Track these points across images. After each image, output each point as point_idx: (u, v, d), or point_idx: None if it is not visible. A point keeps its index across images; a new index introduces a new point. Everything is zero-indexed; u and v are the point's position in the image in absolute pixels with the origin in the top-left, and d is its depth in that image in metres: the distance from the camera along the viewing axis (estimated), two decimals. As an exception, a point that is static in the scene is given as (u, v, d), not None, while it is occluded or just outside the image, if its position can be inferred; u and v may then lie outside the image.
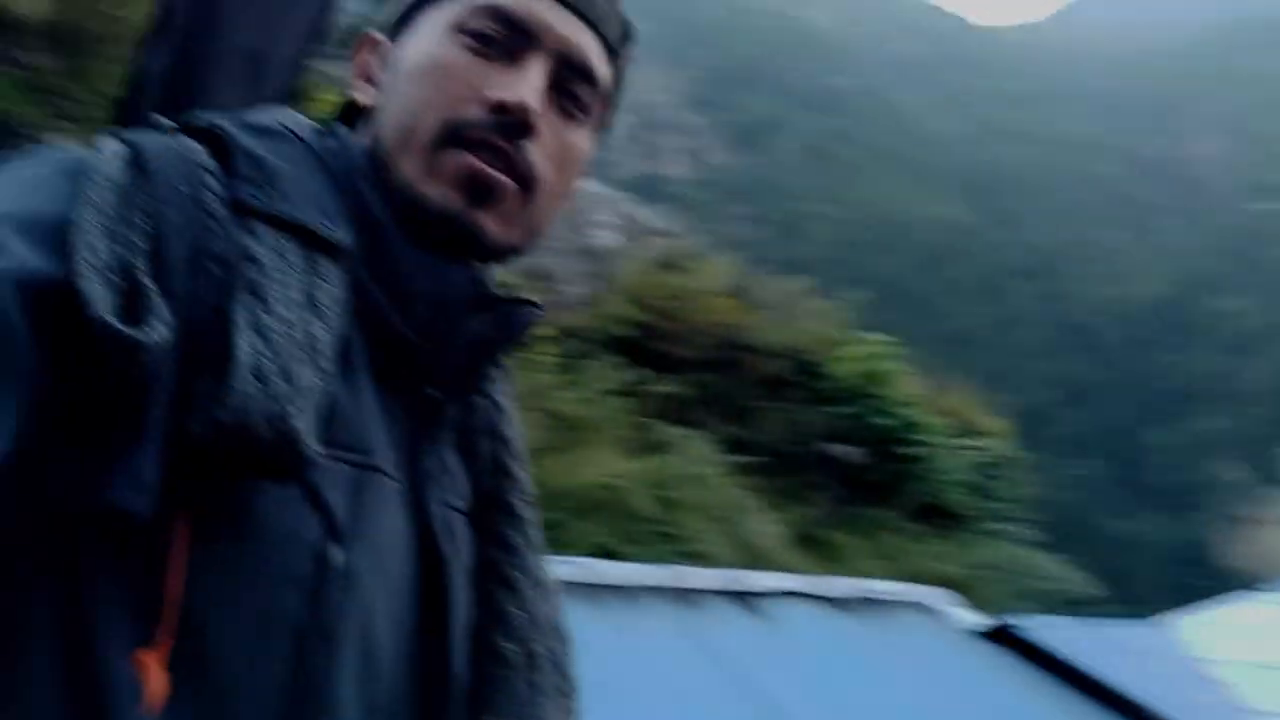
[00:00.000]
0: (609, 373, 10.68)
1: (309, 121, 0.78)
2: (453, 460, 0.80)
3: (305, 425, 0.57)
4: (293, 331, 0.59)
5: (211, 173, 0.64)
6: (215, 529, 0.58)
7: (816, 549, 10.32)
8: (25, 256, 0.53)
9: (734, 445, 10.94)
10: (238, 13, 0.91)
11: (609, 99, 0.82)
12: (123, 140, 0.63)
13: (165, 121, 0.69)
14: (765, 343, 12.73)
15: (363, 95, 0.80)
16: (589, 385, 10.27)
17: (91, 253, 0.54)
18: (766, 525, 9.70)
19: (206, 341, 0.57)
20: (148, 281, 0.55)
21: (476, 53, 0.73)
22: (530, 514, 0.84)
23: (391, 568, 0.68)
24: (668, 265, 13.89)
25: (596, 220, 15.16)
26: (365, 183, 0.73)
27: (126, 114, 0.85)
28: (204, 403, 0.55)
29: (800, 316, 13.98)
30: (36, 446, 0.52)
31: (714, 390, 11.85)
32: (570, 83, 0.76)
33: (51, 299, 0.52)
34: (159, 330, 0.53)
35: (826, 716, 4.87)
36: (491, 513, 0.81)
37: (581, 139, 0.80)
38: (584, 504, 8.22)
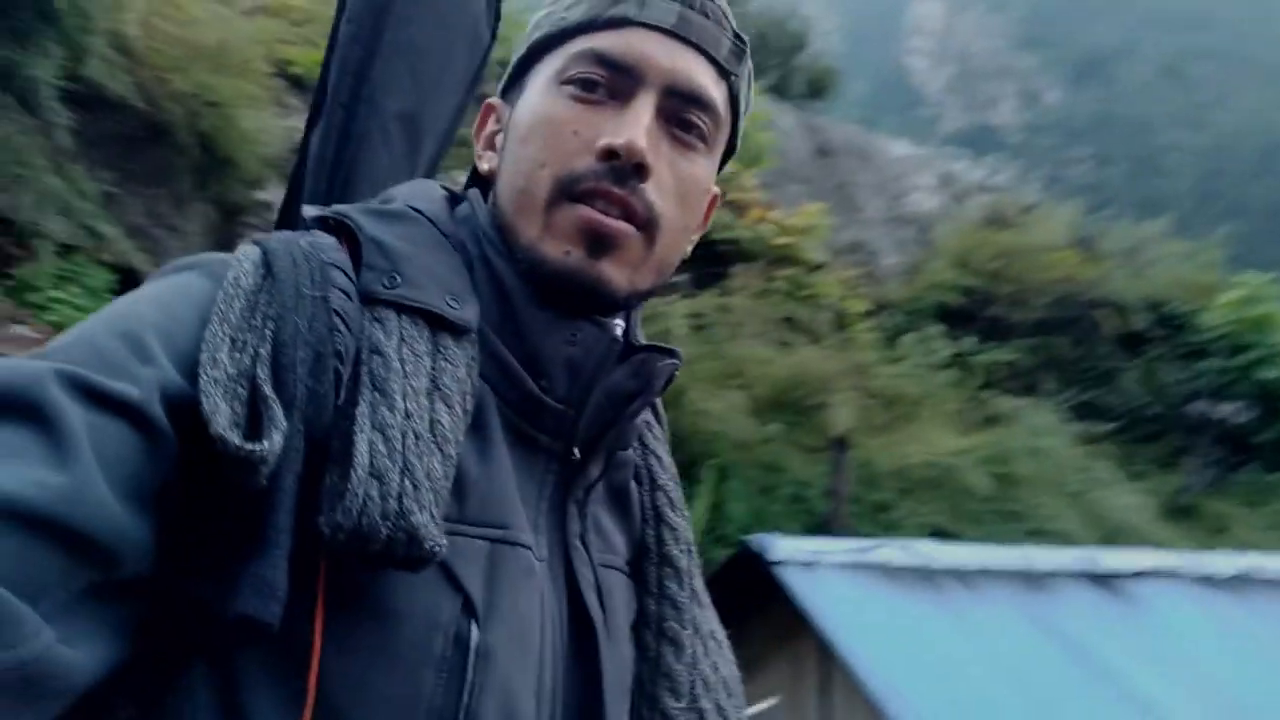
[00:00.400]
0: (934, 344, 10.17)
1: (442, 193, 0.80)
2: (605, 516, 0.79)
3: (427, 519, 0.58)
4: (415, 424, 0.61)
5: (341, 268, 0.66)
6: (352, 614, 0.60)
7: (1190, 521, 9.14)
8: (166, 368, 0.57)
9: (1084, 412, 9.98)
10: (394, 81, 0.94)
11: (728, 119, 0.79)
12: (258, 244, 0.65)
13: (309, 210, 0.74)
14: (1117, 296, 11.51)
15: (485, 162, 0.81)
16: (913, 359, 9.83)
17: (216, 366, 0.56)
18: (1127, 497, 8.73)
19: (331, 442, 0.59)
20: (268, 390, 0.57)
21: (582, 101, 0.73)
22: (692, 564, 0.82)
23: (532, 640, 0.67)
24: (997, 222, 12.95)
25: (913, 184, 14.49)
26: (492, 249, 0.74)
27: (292, 197, 0.93)
28: (328, 504, 0.57)
29: (1159, 263, 12.50)
30: (179, 553, 0.56)
31: (1057, 354, 10.88)
32: (682, 111, 0.74)
33: (188, 411, 0.55)
34: (275, 442, 0.55)
35: (1203, 714, 4.29)
36: (652, 565, 0.80)
37: (701, 167, 0.77)
38: (914, 484, 7.89)
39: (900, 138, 17.28)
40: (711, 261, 9.83)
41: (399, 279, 0.67)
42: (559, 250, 0.71)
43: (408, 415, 0.60)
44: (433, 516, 0.59)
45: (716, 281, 9.89)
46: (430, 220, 0.74)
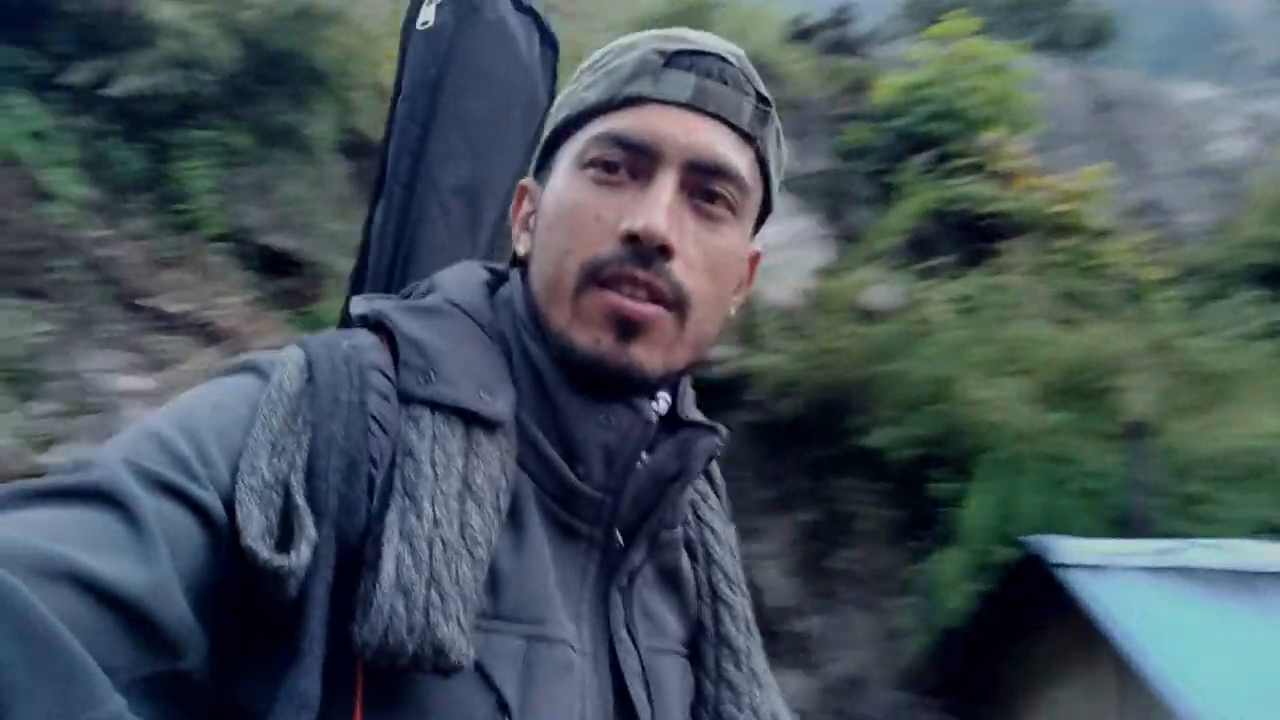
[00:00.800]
0: (1249, 311, 8.93)
1: (483, 276, 0.82)
2: (656, 599, 0.79)
3: (454, 630, 0.59)
4: (444, 530, 0.62)
5: (381, 369, 0.69)
6: (388, 712, 0.61)
7: None
8: (222, 471, 0.59)
9: None
10: (450, 154, 0.95)
11: (758, 182, 0.79)
12: (303, 346, 0.68)
13: (354, 307, 0.77)
14: None
15: (522, 245, 0.82)
16: (1224, 329, 8.67)
17: (254, 474, 0.59)
18: None
19: (364, 548, 0.62)
20: (300, 500, 0.59)
21: (604, 184, 0.73)
22: (751, 643, 0.81)
23: None
24: (1323, 165, 11.24)
25: (1214, 130, 12.85)
26: (528, 334, 0.75)
27: (359, 274, 0.96)
28: (359, 615, 0.59)
29: None
30: (224, 653, 0.59)
31: None
32: (706, 184, 0.74)
33: (229, 519, 0.58)
34: (304, 554, 0.58)
35: None
36: (709, 646, 0.79)
37: (730, 237, 0.76)
38: (1232, 472, 6.93)
39: (1201, 80, 15.39)
40: (975, 238, 9.22)
41: (433, 376, 0.68)
42: (589, 337, 0.72)
43: (436, 522, 0.62)
44: (460, 625, 0.60)
45: (984, 259, 9.24)
46: (467, 312, 0.75)
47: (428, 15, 1.00)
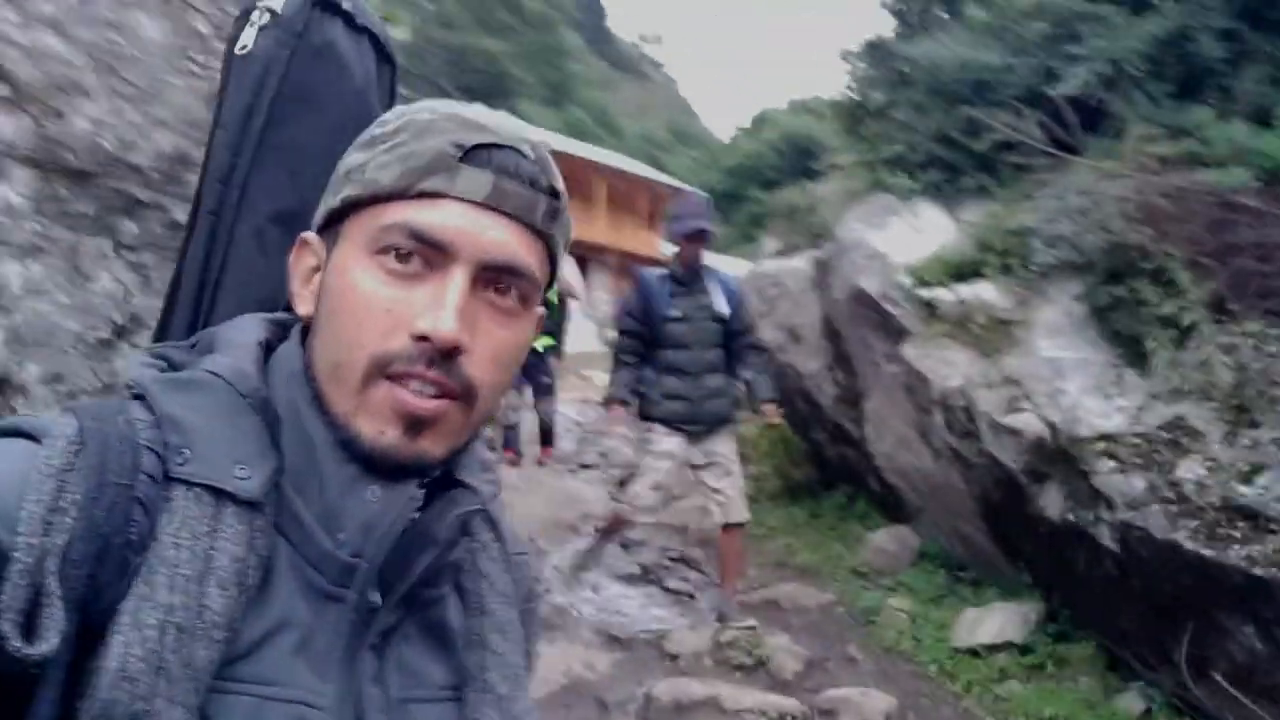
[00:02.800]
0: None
1: (258, 336, 0.81)
2: (416, 652, 0.80)
3: (177, 714, 0.61)
4: (180, 615, 0.63)
5: (153, 447, 0.68)
6: None
7: None
8: None
9: None
10: (271, 182, 0.96)
11: (546, 273, 0.81)
12: (76, 418, 0.67)
13: (127, 374, 0.76)
14: None
15: (302, 306, 0.81)
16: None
17: (17, 551, 0.59)
18: None
19: (99, 634, 0.62)
20: (53, 583, 0.59)
21: (395, 275, 0.73)
22: (517, 690, 0.83)
23: None
24: None
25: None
26: (303, 401, 0.76)
27: (168, 307, 0.96)
28: (86, 697, 0.60)
29: None
30: None
31: None
32: (498, 282, 0.76)
33: None
34: (51, 644, 0.57)
35: None
36: (473, 692, 0.81)
37: (518, 329, 0.79)
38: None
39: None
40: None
41: (188, 455, 0.68)
42: (374, 429, 0.72)
43: (171, 609, 0.62)
44: (186, 708, 0.61)
45: None
46: (229, 382, 0.74)
47: (247, 40, 0.96)
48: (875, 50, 7.82)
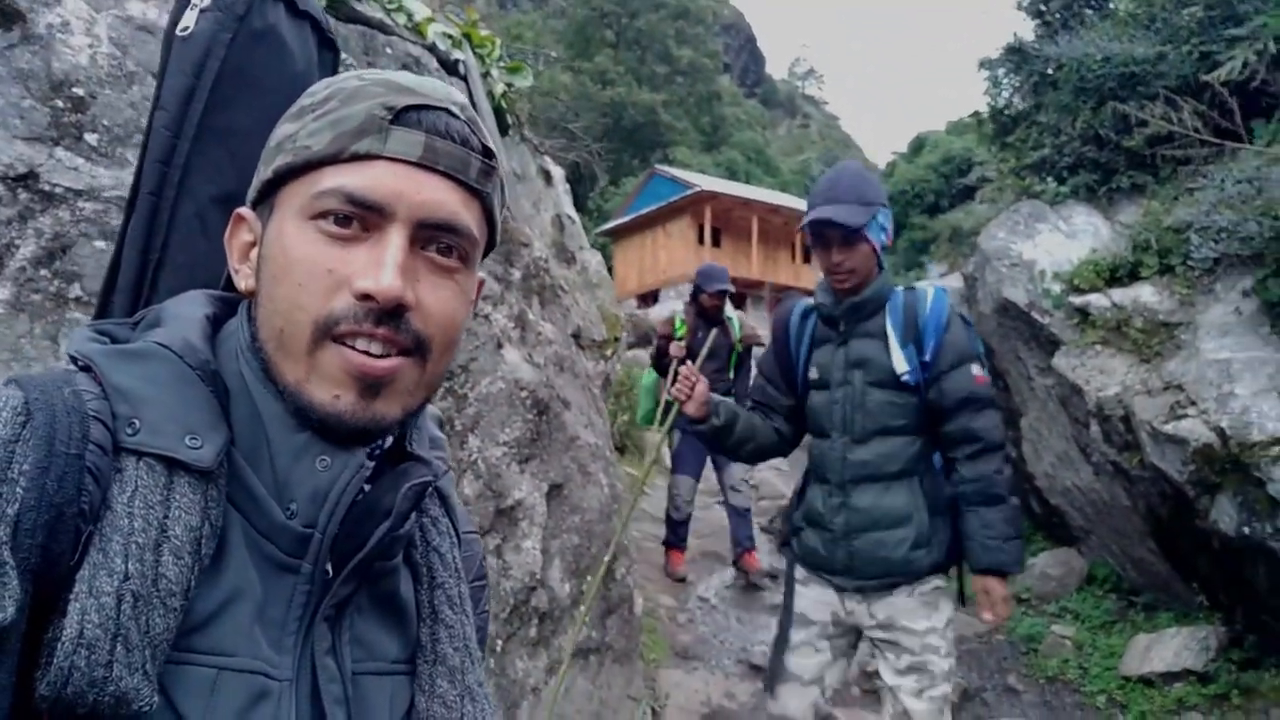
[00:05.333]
0: None
1: (205, 311, 0.80)
2: (370, 624, 0.80)
3: (138, 679, 0.60)
4: (136, 584, 0.62)
5: (100, 417, 0.67)
6: None
7: None
8: None
9: None
10: (212, 165, 0.95)
11: (484, 232, 0.80)
12: (21, 388, 0.66)
13: (68, 347, 0.74)
14: None
15: (244, 280, 0.80)
16: None
17: None
18: None
19: (54, 603, 0.61)
20: (5, 553, 0.58)
21: (333, 237, 0.73)
22: (468, 662, 0.83)
23: None
24: None
25: None
26: (251, 373, 0.75)
27: (108, 287, 0.95)
28: (42, 665, 0.60)
29: None
30: None
31: None
32: (437, 240, 0.75)
33: None
34: (9, 612, 0.57)
35: None
36: (426, 664, 0.81)
37: (462, 284, 0.78)
38: None
39: None
40: None
41: (138, 425, 0.67)
42: (328, 394, 0.72)
43: (127, 576, 0.62)
44: (146, 674, 0.61)
45: None
46: (178, 353, 0.73)
47: (188, 21, 0.95)
48: (1015, 54, 7.52)
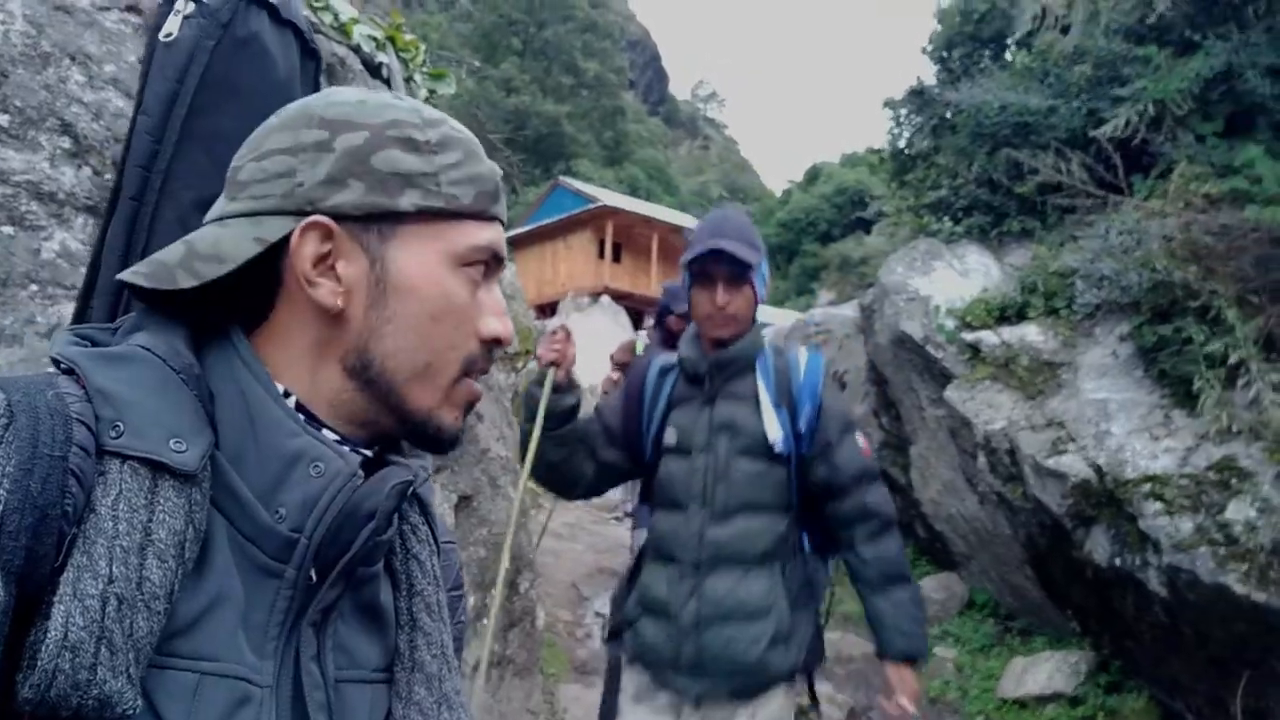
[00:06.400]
0: None
1: (187, 316, 0.79)
2: (352, 631, 0.81)
3: (122, 683, 0.61)
4: (120, 586, 0.62)
5: (84, 421, 0.67)
6: None
7: None
8: None
9: None
10: (193, 169, 0.94)
11: None
12: (3, 392, 0.65)
13: (51, 349, 0.74)
14: None
15: (330, 297, 0.78)
16: None
17: None
18: None
19: (37, 606, 0.61)
20: None
21: (476, 284, 0.82)
22: (445, 670, 0.84)
23: None
24: None
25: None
26: (253, 380, 0.76)
27: (87, 290, 0.94)
28: (24, 667, 0.59)
29: None
30: None
31: None
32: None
33: None
34: None
35: None
36: (403, 671, 0.82)
37: None
38: None
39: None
40: None
41: (122, 428, 0.67)
42: (453, 418, 0.82)
43: (111, 579, 0.62)
44: (130, 677, 0.61)
45: None
46: (161, 357, 0.73)
47: (171, 27, 0.96)
48: (918, 97, 7.84)
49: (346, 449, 0.77)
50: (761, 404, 2.38)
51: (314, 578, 0.75)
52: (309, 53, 1.08)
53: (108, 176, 2.65)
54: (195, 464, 0.68)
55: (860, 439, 2.46)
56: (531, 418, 2.42)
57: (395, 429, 0.81)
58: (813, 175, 38.63)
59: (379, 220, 0.78)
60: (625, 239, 28.14)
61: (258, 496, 0.73)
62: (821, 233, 30.75)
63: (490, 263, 0.83)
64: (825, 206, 32.41)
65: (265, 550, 0.73)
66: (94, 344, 0.76)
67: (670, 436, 2.43)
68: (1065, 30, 6.56)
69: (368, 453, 0.81)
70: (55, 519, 0.62)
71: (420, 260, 0.79)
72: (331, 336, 0.78)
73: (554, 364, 2.41)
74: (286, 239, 0.77)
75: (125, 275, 0.76)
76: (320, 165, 0.78)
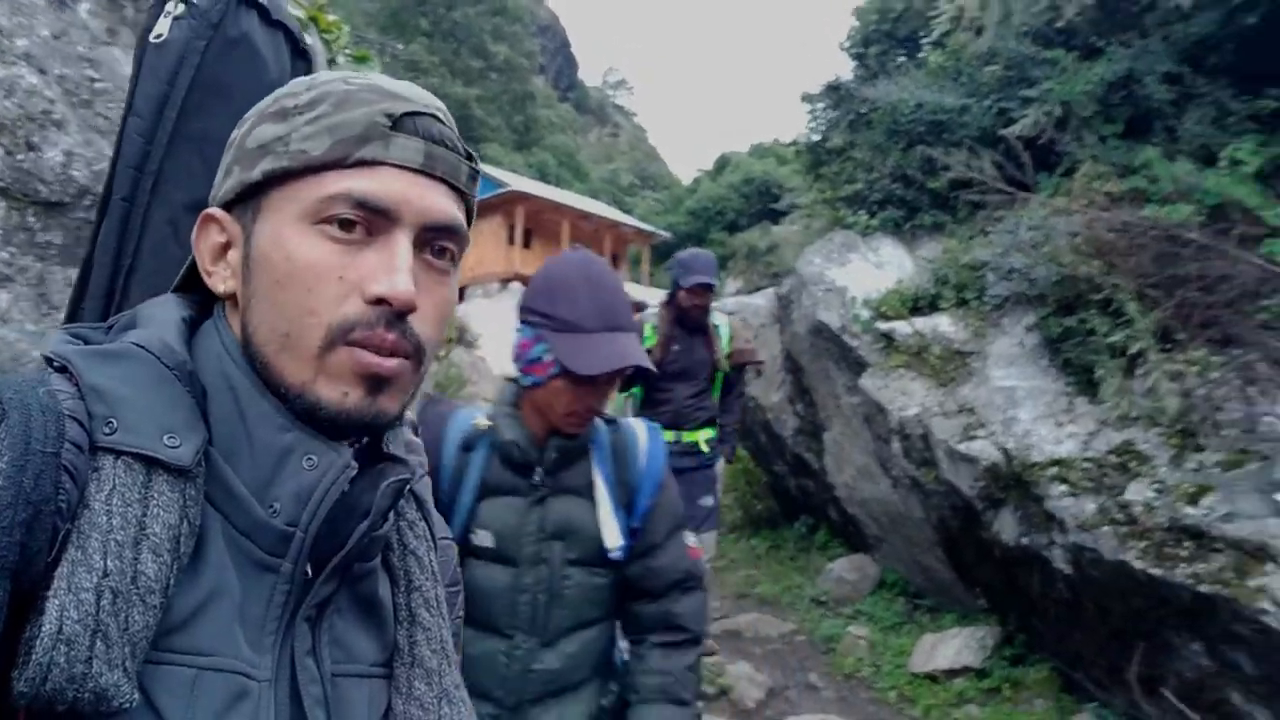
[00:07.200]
0: None
1: (180, 314, 0.80)
2: (349, 626, 0.81)
3: (118, 676, 0.60)
4: (115, 580, 0.62)
5: (76, 417, 0.67)
6: None
7: None
8: None
9: None
10: (184, 172, 0.94)
11: (466, 233, 0.82)
12: None
13: (44, 348, 0.74)
14: None
15: (221, 283, 0.79)
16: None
17: None
18: None
19: (31, 602, 0.61)
20: None
21: (339, 241, 0.74)
22: (445, 664, 0.84)
23: None
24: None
25: None
26: (241, 376, 0.75)
27: (79, 293, 0.94)
28: (20, 662, 0.59)
29: None
30: None
31: None
32: (436, 241, 0.78)
33: None
34: None
35: None
36: (403, 666, 0.82)
37: (452, 286, 0.81)
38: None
39: None
40: None
41: (115, 424, 0.67)
42: (336, 392, 0.73)
43: (106, 573, 0.62)
44: (125, 670, 0.61)
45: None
46: (155, 354, 0.73)
47: (162, 28, 0.95)
48: (835, 92, 8.03)
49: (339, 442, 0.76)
50: (598, 502, 1.95)
51: (310, 572, 0.75)
52: (300, 53, 1.07)
53: (20, 156, 2.56)
54: (189, 459, 0.68)
55: (689, 538, 2.10)
56: None
57: (292, 412, 0.75)
58: (721, 164, 39.02)
59: (246, 199, 0.78)
60: (536, 225, 28.01)
61: (252, 491, 0.73)
62: (729, 222, 31.13)
63: (366, 215, 0.73)
64: (733, 196, 32.80)
65: (261, 545, 0.73)
66: (87, 343, 0.76)
67: (484, 539, 1.90)
68: (979, 31, 6.79)
69: (357, 444, 0.79)
70: (49, 514, 0.62)
71: (271, 227, 0.76)
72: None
73: None
74: None
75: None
76: (225, 160, 0.81)
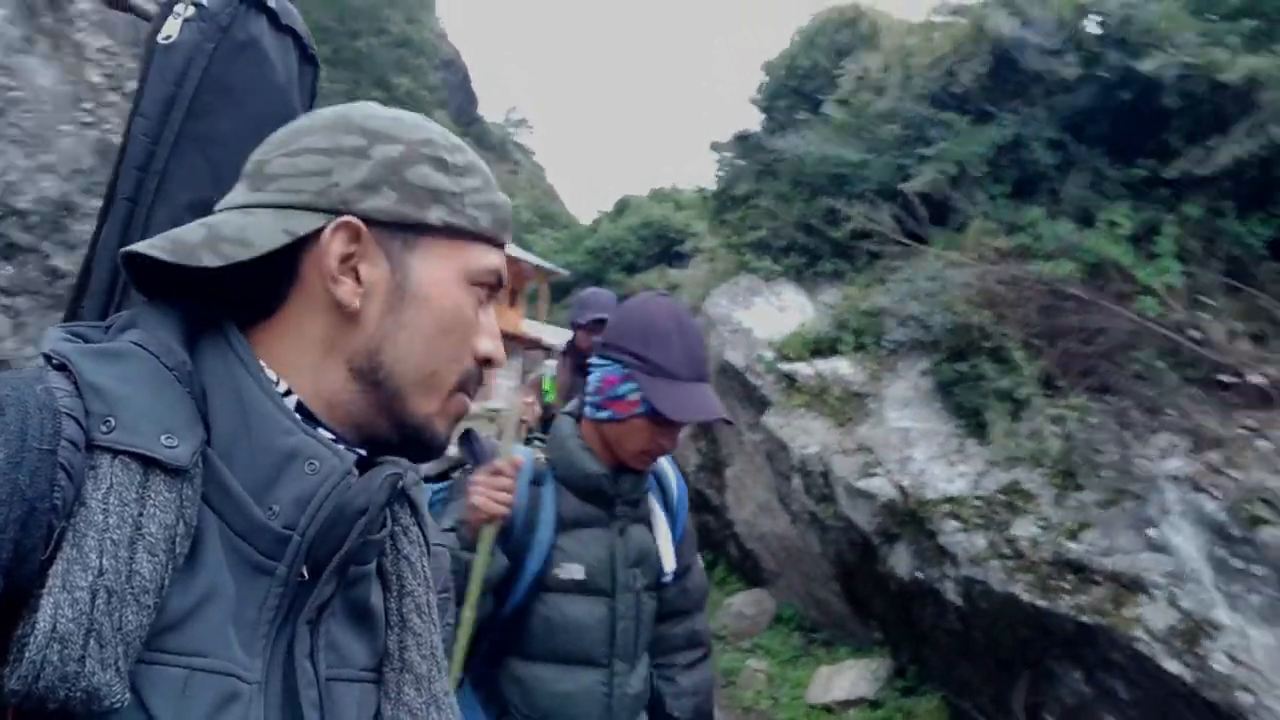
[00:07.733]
0: None
1: (180, 313, 0.79)
2: (343, 630, 0.82)
3: (110, 675, 0.60)
4: (109, 579, 0.62)
5: (73, 415, 0.66)
6: None
7: None
8: None
9: None
10: (189, 172, 0.97)
11: None
12: None
13: (42, 345, 0.74)
14: None
15: (352, 298, 0.80)
16: None
17: None
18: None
19: (25, 599, 0.60)
20: None
21: (479, 304, 0.86)
22: (435, 670, 0.86)
23: None
24: None
25: None
26: (252, 380, 0.77)
27: (80, 292, 0.96)
28: (11, 659, 0.59)
29: None
30: None
31: None
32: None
33: None
34: None
35: None
36: (393, 671, 0.83)
37: None
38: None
39: None
40: None
41: (113, 423, 0.67)
42: (446, 427, 0.85)
43: (101, 572, 0.61)
44: (118, 670, 0.61)
45: None
46: (154, 354, 0.73)
47: (170, 29, 0.96)
48: (744, 142, 8.31)
49: (341, 447, 0.78)
50: (657, 529, 2.05)
51: (305, 575, 0.75)
52: (308, 59, 1.09)
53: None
54: (187, 459, 0.68)
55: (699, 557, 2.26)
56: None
57: (390, 433, 0.82)
58: (622, 207, 39.48)
59: (406, 230, 0.81)
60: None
61: (250, 493, 0.73)
62: (628, 263, 31.46)
63: (494, 286, 0.86)
64: (632, 238, 33.19)
65: (257, 547, 0.73)
66: (86, 341, 0.76)
67: (573, 571, 1.92)
68: (880, 92, 7.17)
69: (361, 452, 0.82)
70: (44, 512, 0.62)
71: (439, 273, 0.82)
72: (341, 336, 0.80)
73: (492, 519, 1.79)
74: (312, 235, 0.79)
75: (139, 247, 0.75)
76: (356, 170, 0.81)
